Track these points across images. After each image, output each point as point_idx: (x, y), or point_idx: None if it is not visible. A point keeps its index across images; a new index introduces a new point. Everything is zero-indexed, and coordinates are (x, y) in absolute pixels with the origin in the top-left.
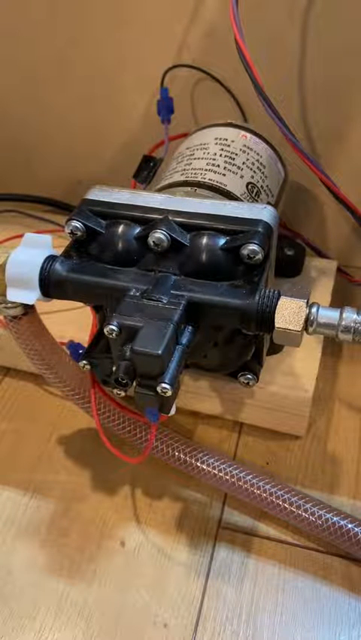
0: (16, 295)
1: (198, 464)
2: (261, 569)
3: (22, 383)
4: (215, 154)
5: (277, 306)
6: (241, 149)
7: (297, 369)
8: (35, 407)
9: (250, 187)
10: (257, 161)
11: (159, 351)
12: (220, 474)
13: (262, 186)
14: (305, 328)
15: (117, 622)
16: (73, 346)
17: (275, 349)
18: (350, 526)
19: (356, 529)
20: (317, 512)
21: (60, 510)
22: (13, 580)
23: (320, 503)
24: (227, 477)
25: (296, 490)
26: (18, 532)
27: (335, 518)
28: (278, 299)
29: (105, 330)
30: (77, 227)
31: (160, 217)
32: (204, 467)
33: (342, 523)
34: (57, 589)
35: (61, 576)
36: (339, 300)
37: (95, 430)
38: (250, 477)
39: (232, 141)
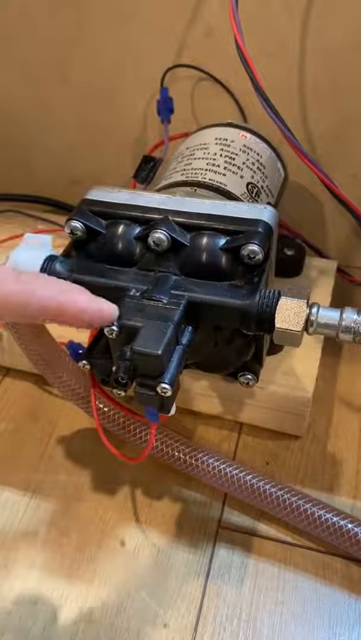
0: None
1: (198, 464)
2: (261, 569)
3: (22, 383)
4: (215, 154)
5: (278, 307)
6: (241, 149)
7: (297, 369)
8: (35, 407)
9: (250, 187)
10: (257, 161)
11: (159, 352)
12: (220, 474)
13: (262, 186)
14: (306, 328)
15: (117, 622)
16: (73, 346)
17: (275, 349)
18: (350, 526)
19: (356, 529)
20: (317, 512)
21: (60, 510)
22: (13, 580)
23: (320, 503)
24: (227, 477)
25: (296, 490)
26: (18, 532)
27: (335, 518)
28: (278, 299)
29: (105, 330)
30: (76, 227)
31: (160, 217)
32: (204, 467)
33: (342, 523)
34: (57, 589)
35: (61, 576)
36: (339, 300)
37: (95, 430)
38: (250, 477)
39: (232, 141)
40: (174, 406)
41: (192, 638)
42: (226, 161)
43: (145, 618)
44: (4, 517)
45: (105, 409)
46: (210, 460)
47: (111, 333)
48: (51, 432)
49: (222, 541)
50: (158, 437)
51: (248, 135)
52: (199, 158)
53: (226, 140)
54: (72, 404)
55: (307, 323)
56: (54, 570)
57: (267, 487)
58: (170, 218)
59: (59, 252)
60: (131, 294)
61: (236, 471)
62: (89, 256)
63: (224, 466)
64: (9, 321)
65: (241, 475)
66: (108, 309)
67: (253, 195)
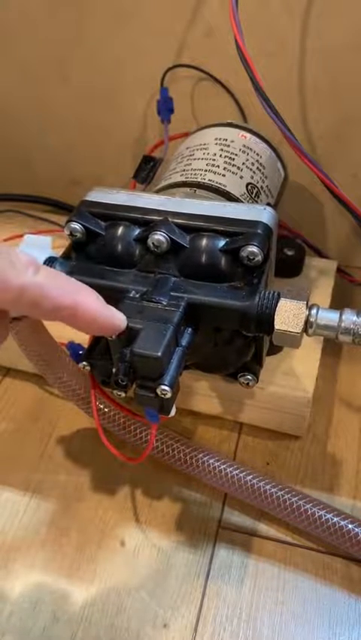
0: None
1: (198, 464)
2: (261, 569)
3: (22, 383)
4: (215, 154)
5: (277, 308)
6: (240, 150)
7: (297, 370)
8: (35, 407)
9: (249, 187)
10: (257, 161)
11: (159, 353)
12: (220, 474)
13: (261, 187)
14: (305, 330)
15: (117, 622)
16: (73, 347)
17: (275, 350)
18: (350, 526)
19: (356, 529)
20: (317, 512)
21: (60, 510)
22: (13, 580)
23: (320, 503)
24: (227, 477)
25: (296, 490)
26: (18, 532)
27: (335, 518)
28: (278, 301)
29: None
30: (76, 228)
31: (160, 218)
32: (205, 467)
33: (342, 523)
34: (57, 589)
35: (61, 576)
36: (339, 301)
37: (95, 430)
38: (250, 477)
39: (232, 141)
40: (174, 407)
41: (192, 638)
42: (225, 162)
43: (145, 618)
44: (4, 517)
45: (105, 410)
46: (211, 460)
47: (111, 335)
48: (51, 432)
49: (222, 542)
50: (158, 437)
51: (248, 135)
52: (199, 159)
53: (226, 140)
54: (72, 404)
55: (307, 324)
56: (54, 570)
57: (267, 487)
58: (169, 219)
59: (58, 253)
60: (131, 295)
61: (236, 471)
62: (89, 258)
63: (224, 466)
64: (21, 313)
65: (241, 475)
66: (119, 319)
67: (253, 196)
